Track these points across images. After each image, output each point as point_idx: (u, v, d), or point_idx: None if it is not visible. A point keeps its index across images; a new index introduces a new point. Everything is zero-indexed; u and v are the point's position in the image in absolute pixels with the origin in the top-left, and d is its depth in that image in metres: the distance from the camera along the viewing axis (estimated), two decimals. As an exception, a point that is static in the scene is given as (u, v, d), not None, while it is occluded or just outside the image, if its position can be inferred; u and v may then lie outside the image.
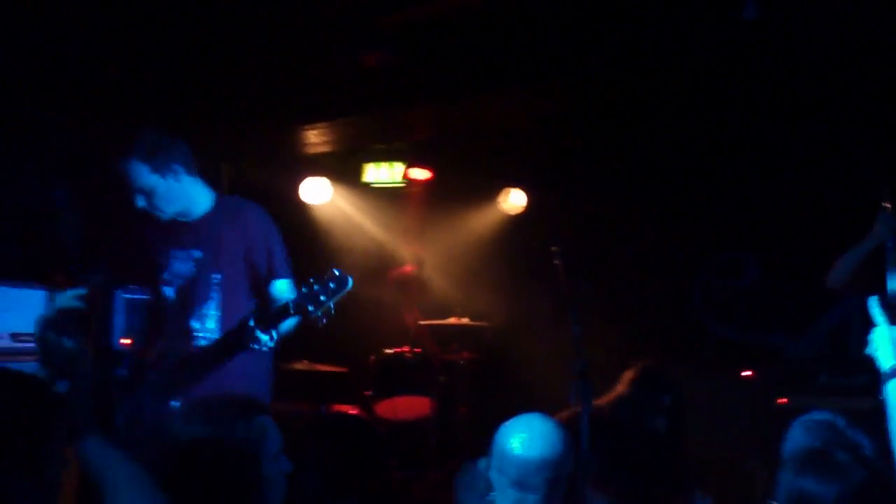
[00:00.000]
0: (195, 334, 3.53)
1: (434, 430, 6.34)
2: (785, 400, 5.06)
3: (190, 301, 3.54)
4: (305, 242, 7.61)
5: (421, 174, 7.22)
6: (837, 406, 4.69)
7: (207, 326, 3.52)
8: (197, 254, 3.57)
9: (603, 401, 3.73)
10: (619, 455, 3.51)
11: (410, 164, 7.16)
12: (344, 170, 7.63)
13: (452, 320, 6.67)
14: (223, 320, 3.49)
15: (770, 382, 5.48)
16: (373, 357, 6.66)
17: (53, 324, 2.20)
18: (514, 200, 7.41)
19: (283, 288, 3.56)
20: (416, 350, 6.54)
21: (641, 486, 3.36)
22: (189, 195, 3.56)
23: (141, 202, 3.53)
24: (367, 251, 7.60)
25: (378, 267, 7.52)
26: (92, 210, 6.65)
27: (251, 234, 3.56)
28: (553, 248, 3.76)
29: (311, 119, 6.25)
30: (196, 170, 3.61)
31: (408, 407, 6.39)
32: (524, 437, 2.33)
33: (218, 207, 3.62)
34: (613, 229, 6.87)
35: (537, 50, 5.22)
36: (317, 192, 7.37)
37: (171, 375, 3.41)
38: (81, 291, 4.10)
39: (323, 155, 7.24)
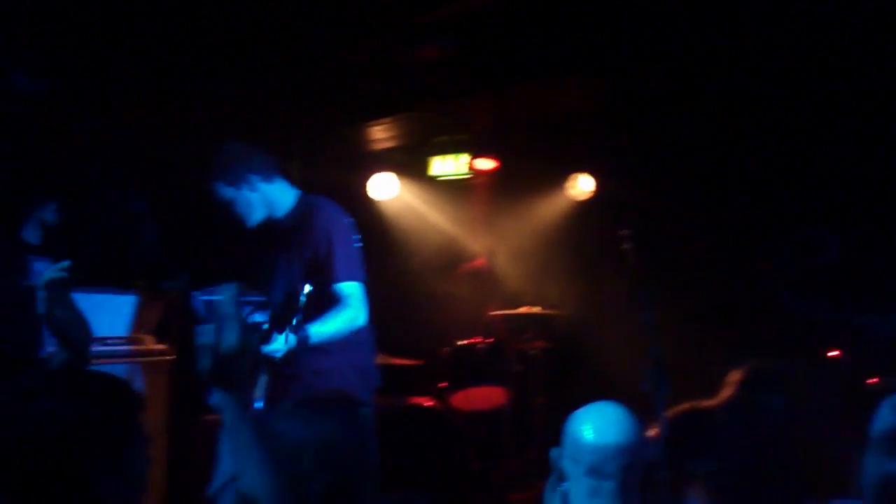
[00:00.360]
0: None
1: (509, 419, 6.34)
2: (875, 380, 4.87)
3: (283, 298, 3.63)
4: (375, 238, 7.68)
5: (486, 164, 7.20)
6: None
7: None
8: (279, 254, 3.71)
9: (712, 403, 3.66)
10: (728, 458, 3.45)
11: (475, 155, 7.15)
12: (410, 164, 7.67)
13: (524, 309, 6.63)
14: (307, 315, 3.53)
15: (859, 362, 5.29)
16: (446, 349, 6.68)
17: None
18: (581, 186, 7.34)
19: (343, 290, 3.57)
20: (488, 340, 6.53)
21: (749, 491, 3.30)
22: (269, 201, 3.72)
23: (235, 213, 3.72)
24: (437, 245, 7.63)
25: (449, 260, 7.55)
26: (171, 216, 6.85)
27: (319, 239, 3.64)
28: (622, 232, 3.71)
29: (376, 115, 6.30)
30: (276, 174, 3.74)
31: (483, 397, 6.40)
32: (598, 424, 2.29)
33: (296, 209, 3.74)
34: (685, 211, 6.74)
35: (599, 34, 5.16)
36: (384, 187, 7.44)
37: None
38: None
39: (389, 150, 7.29)
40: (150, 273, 5.73)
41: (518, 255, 7.35)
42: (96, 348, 4.33)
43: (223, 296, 2.13)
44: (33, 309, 2.97)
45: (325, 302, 3.57)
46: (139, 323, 5.16)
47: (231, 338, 1.89)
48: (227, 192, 3.67)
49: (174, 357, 4.76)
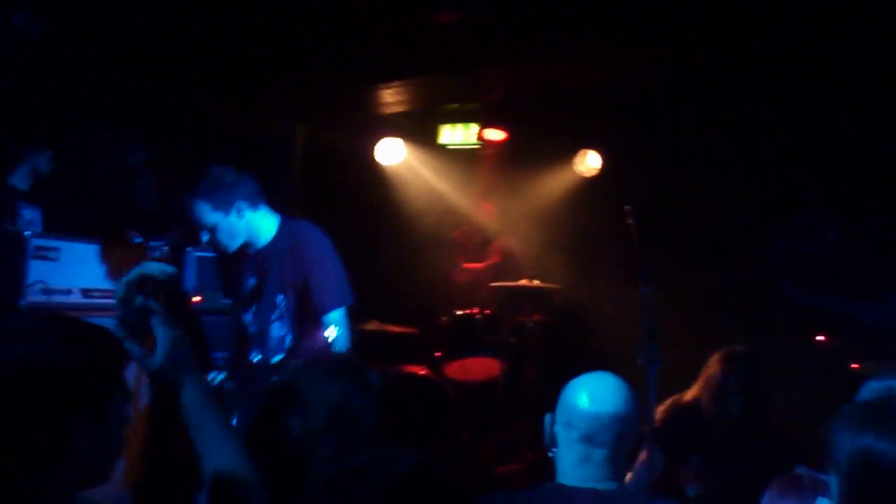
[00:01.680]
0: (263, 353, 3.65)
1: (503, 391, 6.34)
2: (858, 366, 4.92)
3: (257, 325, 3.68)
4: (379, 203, 7.67)
5: (496, 135, 7.14)
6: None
7: (271, 350, 3.64)
8: (259, 281, 3.70)
9: (692, 394, 3.67)
10: (714, 445, 3.48)
11: (485, 125, 7.09)
12: (420, 131, 7.63)
13: (524, 282, 6.61)
14: (288, 343, 3.61)
15: (845, 347, 5.33)
16: (444, 318, 6.67)
17: (133, 284, 2.24)
18: (589, 162, 7.29)
19: (331, 319, 3.60)
20: (486, 311, 6.52)
21: (736, 472, 3.31)
22: (252, 229, 3.68)
23: (204, 237, 3.65)
24: (440, 213, 7.60)
25: (450, 229, 7.54)
26: (167, 171, 6.82)
27: (305, 265, 3.62)
28: (626, 208, 3.68)
29: (386, 78, 6.22)
30: (262, 201, 3.72)
31: (477, 368, 6.40)
32: (594, 393, 2.28)
33: (279, 236, 3.72)
34: (689, 193, 6.70)
35: (613, 9, 5.08)
36: (391, 152, 7.38)
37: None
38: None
39: (398, 116, 7.23)
40: (144, 226, 5.70)
41: (521, 227, 7.33)
42: (79, 300, 4.31)
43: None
44: (18, 255, 2.92)
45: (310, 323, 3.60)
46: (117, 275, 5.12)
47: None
48: (212, 216, 3.60)
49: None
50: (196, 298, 5.04)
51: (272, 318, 3.63)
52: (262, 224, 3.70)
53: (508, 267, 7.25)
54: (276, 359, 3.57)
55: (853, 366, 4.93)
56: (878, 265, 6.01)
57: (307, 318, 3.58)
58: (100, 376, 1.65)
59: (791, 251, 6.56)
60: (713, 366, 3.69)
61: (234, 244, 3.67)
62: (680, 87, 6.40)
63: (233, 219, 3.61)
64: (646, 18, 5.08)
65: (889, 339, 5.21)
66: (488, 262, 7.46)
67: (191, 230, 5.77)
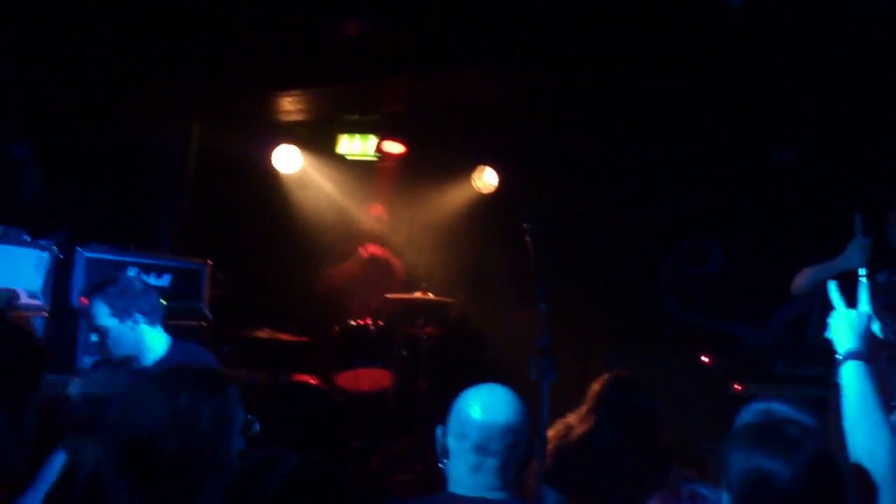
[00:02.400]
0: None
1: (393, 402, 6.36)
2: (740, 387, 5.15)
3: None
4: (274, 210, 7.59)
5: (394, 148, 7.18)
6: (791, 394, 4.80)
7: None
8: None
9: (578, 417, 3.69)
10: (602, 466, 3.52)
11: (384, 138, 7.12)
12: (318, 140, 7.59)
13: (418, 295, 6.66)
14: None
15: (727, 369, 5.56)
16: (337, 328, 6.65)
17: None
18: (487, 179, 7.41)
19: None
20: (379, 323, 6.53)
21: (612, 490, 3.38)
22: (142, 343, 3.66)
23: (93, 337, 3.70)
24: (336, 224, 7.58)
25: (345, 240, 7.52)
26: (56, 168, 6.57)
27: None
28: (525, 225, 3.77)
29: (286, 85, 6.18)
30: (160, 320, 3.71)
31: (368, 379, 6.40)
32: (487, 403, 2.34)
33: (169, 355, 3.71)
34: (584, 213, 6.91)
35: (515, 26, 5.20)
36: (288, 160, 7.32)
37: None
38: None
39: (298, 124, 7.18)
40: (30, 224, 5.48)
41: (417, 241, 7.38)
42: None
43: None
44: None
45: None
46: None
47: None
48: (107, 319, 3.58)
49: (47, 314, 4.55)
50: (85, 300, 4.87)
51: None
52: (152, 341, 3.69)
53: (377, 274, 7.22)
54: None
55: (736, 387, 5.15)
56: (759, 289, 6.31)
57: None
58: (18, 374, 1.75)
59: (679, 273, 6.83)
60: (598, 389, 3.74)
61: (119, 352, 3.62)
62: (578, 107, 6.59)
63: (126, 328, 3.60)
64: (544, 37, 5.22)
65: (768, 362, 5.46)
66: (347, 268, 7.38)
67: (81, 228, 5.59)
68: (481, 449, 2.29)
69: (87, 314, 3.66)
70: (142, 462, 1.96)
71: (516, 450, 2.32)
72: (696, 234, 6.87)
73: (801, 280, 4.39)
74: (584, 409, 3.63)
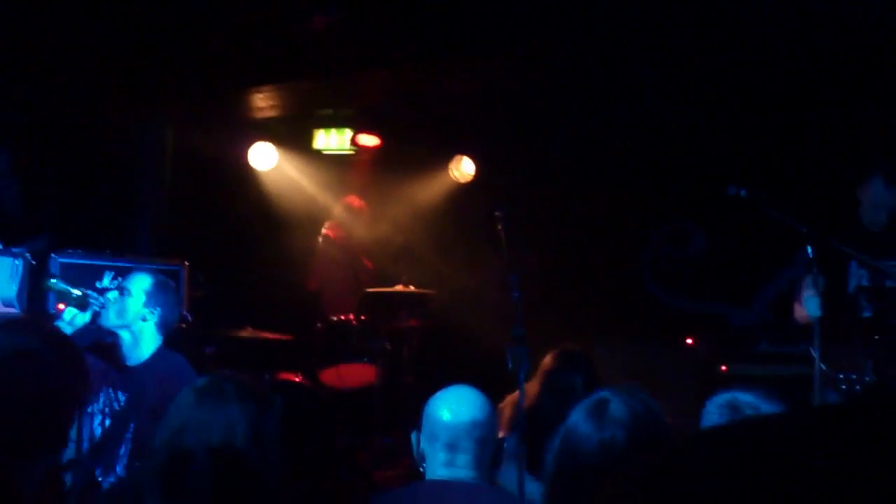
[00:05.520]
0: (105, 475, 3.58)
1: (379, 397, 6.33)
2: (725, 367, 5.15)
3: (107, 439, 3.63)
4: (252, 208, 7.54)
5: (369, 141, 7.14)
6: (775, 372, 4.80)
7: (117, 468, 3.58)
8: (122, 398, 3.68)
9: (532, 392, 3.69)
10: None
11: (359, 131, 7.08)
12: (293, 136, 7.54)
13: (399, 288, 6.62)
14: (129, 465, 3.55)
15: (712, 350, 5.57)
16: (319, 324, 6.62)
17: None
18: (464, 168, 7.38)
19: None
20: (361, 318, 6.49)
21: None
22: (138, 337, 3.68)
23: (112, 295, 3.72)
24: (313, 219, 7.53)
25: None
26: (32, 175, 6.51)
27: (172, 396, 3.60)
28: (496, 214, 3.75)
29: (258, 82, 6.13)
30: (164, 333, 3.73)
31: (353, 374, 6.37)
32: (452, 404, 2.47)
33: (154, 360, 3.72)
34: (563, 199, 6.89)
35: (488, 17, 5.17)
36: (264, 157, 7.28)
37: None
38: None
39: (273, 120, 7.14)
40: (7, 231, 5.42)
41: (396, 234, 7.35)
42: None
43: None
44: None
45: None
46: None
47: None
48: (140, 293, 3.65)
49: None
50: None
51: (122, 437, 3.59)
52: (147, 341, 3.70)
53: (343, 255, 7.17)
54: (110, 480, 3.50)
55: (722, 367, 5.16)
56: (742, 270, 6.32)
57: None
58: (82, 378, 1.89)
59: (661, 256, 6.83)
60: (548, 364, 3.72)
61: (110, 322, 3.66)
62: (554, 94, 6.57)
63: (142, 310, 3.63)
64: (518, 27, 5.20)
65: (753, 342, 5.47)
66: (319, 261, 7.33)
67: (59, 234, 5.54)
68: (451, 447, 2.41)
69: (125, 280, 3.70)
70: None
71: (485, 444, 2.43)
72: (677, 218, 6.87)
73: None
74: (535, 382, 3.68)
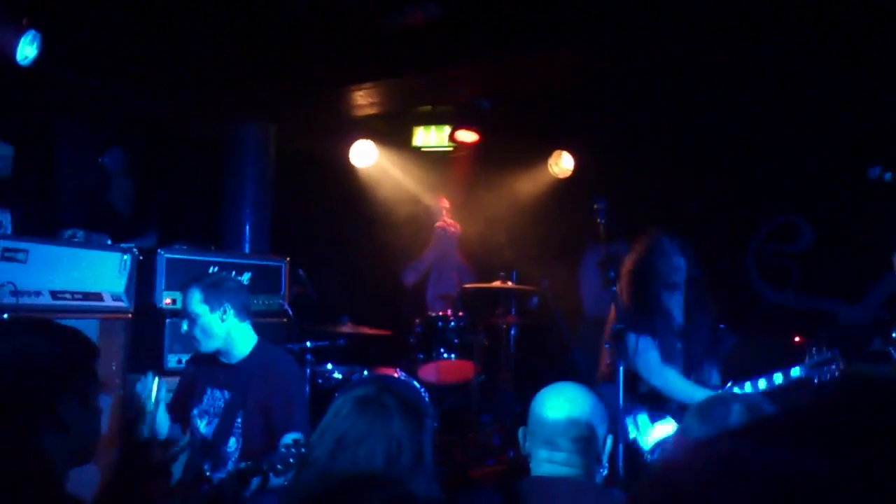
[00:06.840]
0: (214, 470, 3.66)
1: (476, 394, 6.30)
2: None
3: (215, 437, 3.70)
4: (353, 205, 7.64)
5: (468, 136, 7.12)
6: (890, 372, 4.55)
7: (227, 463, 3.65)
8: (227, 395, 3.74)
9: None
10: None
11: (457, 127, 7.07)
12: (393, 133, 7.61)
13: (497, 284, 6.59)
14: (240, 461, 3.60)
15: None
16: (418, 320, 6.64)
17: None
18: (563, 164, 7.30)
19: (287, 439, 3.63)
20: (460, 313, 6.49)
21: None
22: (230, 338, 3.73)
23: (184, 326, 3.72)
24: (412, 215, 7.58)
25: (422, 231, 7.51)
26: (142, 175, 6.76)
27: (277, 388, 3.68)
28: (595, 206, 3.68)
29: (358, 80, 6.19)
30: (249, 318, 3.79)
31: (451, 370, 6.36)
32: (552, 401, 2.45)
33: (254, 355, 3.78)
34: (665, 194, 6.71)
35: (586, 5, 5.08)
36: (365, 155, 7.37)
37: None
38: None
39: (373, 118, 7.20)
40: (119, 229, 5.65)
41: (494, 228, 7.32)
42: (48, 302, 4.25)
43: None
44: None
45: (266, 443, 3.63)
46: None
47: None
48: (198, 306, 3.67)
49: (131, 315, 4.67)
50: (168, 301, 5.00)
51: (230, 433, 3.66)
52: (240, 337, 3.75)
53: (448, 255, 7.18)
54: (220, 475, 3.56)
55: None
56: (852, 266, 6.04)
57: (264, 439, 3.61)
58: (80, 366, 1.95)
59: (767, 252, 6.58)
60: None
61: (207, 344, 3.71)
62: (655, 86, 6.41)
63: (215, 317, 3.66)
64: (618, 13, 5.08)
65: (864, 340, 5.21)
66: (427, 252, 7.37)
67: (164, 233, 5.72)
68: (549, 443, 2.40)
69: (183, 304, 3.75)
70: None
71: (583, 442, 2.39)
72: (783, 212, 6.60)
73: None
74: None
